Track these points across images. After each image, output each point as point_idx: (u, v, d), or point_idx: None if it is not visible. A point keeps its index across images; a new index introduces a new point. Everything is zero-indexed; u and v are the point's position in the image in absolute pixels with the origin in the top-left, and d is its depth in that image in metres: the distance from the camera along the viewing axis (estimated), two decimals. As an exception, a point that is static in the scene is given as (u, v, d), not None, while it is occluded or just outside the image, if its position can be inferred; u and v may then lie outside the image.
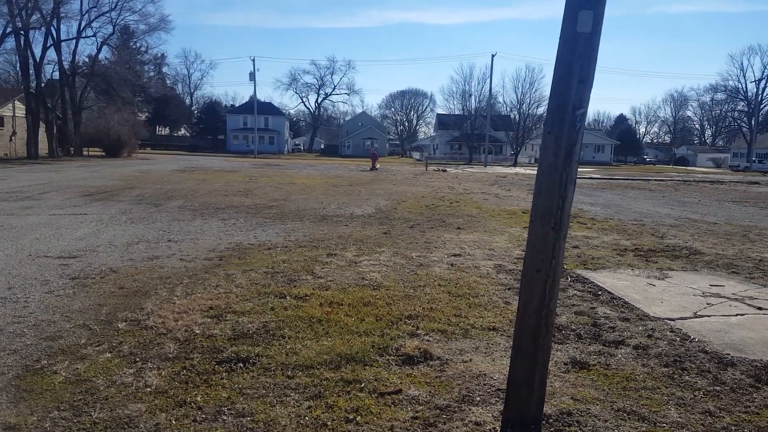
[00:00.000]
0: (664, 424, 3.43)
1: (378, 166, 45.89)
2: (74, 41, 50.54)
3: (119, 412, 3.40)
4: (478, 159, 73.20)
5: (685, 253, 9.33)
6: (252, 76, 68.98)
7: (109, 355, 4.29)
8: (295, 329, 4.94)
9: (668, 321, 5.54)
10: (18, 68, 49.27)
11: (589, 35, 3.08)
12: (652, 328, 5.29)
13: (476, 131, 75.62)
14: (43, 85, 47.59)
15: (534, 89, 72.62)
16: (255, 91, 72.22)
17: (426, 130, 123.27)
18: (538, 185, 3.19)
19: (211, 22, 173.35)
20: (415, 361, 4.33)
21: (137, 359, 4.22)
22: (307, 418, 3.40)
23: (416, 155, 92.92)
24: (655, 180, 36.77)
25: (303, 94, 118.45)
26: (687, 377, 4.19)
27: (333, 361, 4.26)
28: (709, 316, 5.76)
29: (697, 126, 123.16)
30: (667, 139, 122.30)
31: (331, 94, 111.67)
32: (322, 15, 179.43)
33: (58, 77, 50.59)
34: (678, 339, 5.02)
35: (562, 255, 3.21)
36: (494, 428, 3.32)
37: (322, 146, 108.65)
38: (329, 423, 3.34)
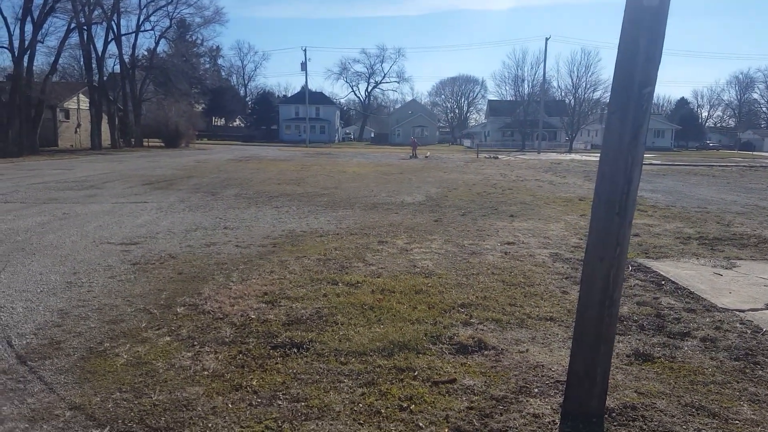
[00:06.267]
0: (737, 422, 3.24)
1: (428, 154, 45.66)
2: (134, 35, 52.58)
3: (178, 395, 3.48)
4: (531, 146, 71.65)
5: (754, 242, 8.83)
6: (303, 66, 69.35)
7: (168, 338, 4.41)
8: (347, 316, 4.94)
9: (737, 312, 5.24)
10: (82, 62, 51.46)
11: (656, 9, 2.90)
12: (720, 320, 5.02)
13: (529, 117, 74.01)
14: (105, 78, 49.42)
15: (590, 72, 70.74)
16: (306, 81, 72.37)
17: (477, 117, 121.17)
18: (602, 169, 3.04)
19: (263, 15, 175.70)
20: (469, 350, 4.25)
21: (195, 343, 4.32)
22: (360, 404, 3.38)
23: (467, 143, 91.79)
24: (719, 166, 35.04)
25: (353, 83, 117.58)
26: (760, 372, 3.94)
27: (386, 348, 4.23)
28: (783, 308, 5.42)
29: (764, 109, 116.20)
30: (732, 123, 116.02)
31: (381, 83, 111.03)
32: (371, 3, 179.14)
33: (119, 70, 52.60)
34: (749, 331, 4.74)
35: (627, 243, 3.05)
36: (553, 421, 3.21)
37: (372, 135, 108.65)
38: (383, 410, 3.31)
